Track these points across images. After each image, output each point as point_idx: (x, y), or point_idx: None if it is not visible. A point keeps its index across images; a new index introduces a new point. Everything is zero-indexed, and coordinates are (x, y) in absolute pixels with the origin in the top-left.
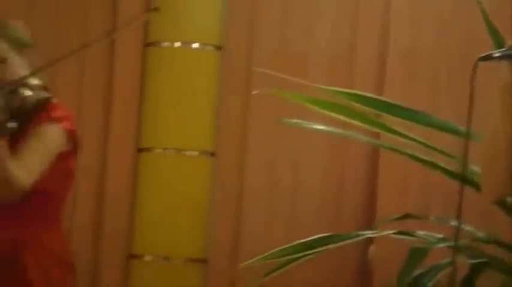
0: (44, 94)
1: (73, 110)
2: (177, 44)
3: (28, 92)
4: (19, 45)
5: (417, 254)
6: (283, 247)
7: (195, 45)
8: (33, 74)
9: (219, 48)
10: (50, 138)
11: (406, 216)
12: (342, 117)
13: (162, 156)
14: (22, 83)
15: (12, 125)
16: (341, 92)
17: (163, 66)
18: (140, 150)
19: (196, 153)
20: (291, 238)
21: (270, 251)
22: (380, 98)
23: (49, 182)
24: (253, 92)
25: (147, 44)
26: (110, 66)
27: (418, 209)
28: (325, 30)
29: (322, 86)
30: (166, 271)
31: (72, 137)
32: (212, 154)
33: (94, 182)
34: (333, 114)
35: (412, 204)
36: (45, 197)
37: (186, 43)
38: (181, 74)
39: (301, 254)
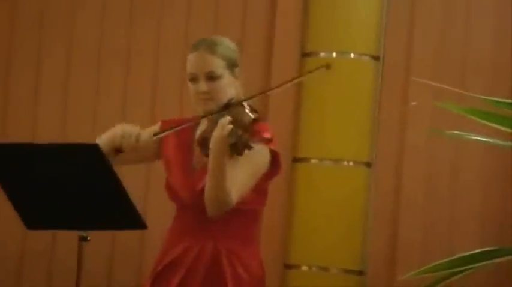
0: (255, 115)
1: None
2: (334, 54)
3: (248, 113)
4: (232, 65)
5: None
6: (443, 260)
7: (352, 55)
8: (253, 97)
9: (376, 58)
10: (260, 159)
11: None
12: (503, 129)
13: (318, 166)
14: (241, 103)
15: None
16: (504, 103)
17: (320, 77)
18: (296, 160)
19: (352, 163)
20: (449, 248)
21: (430, 265)
22: None
23: (250, 200)
24: (412, 103)
25: (304, 54)
26: (267, 76)
27: None
28: (486, 39)
29: (484, 96)
30: (323, 281)
31: (276, 159)
32: (368, 164)
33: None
34: (495, 125)
35: None
36: (246, 214)
37: (343, 53)
38: (338, 84)
39: (462, 268)
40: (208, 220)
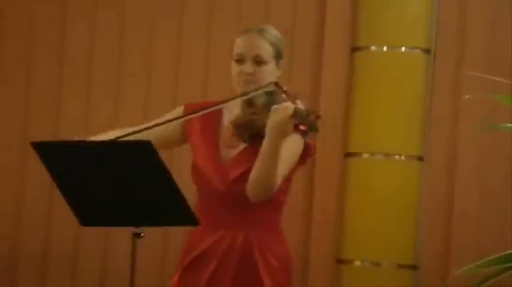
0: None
1: None
2: (385, 48)
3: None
4: (278, 55)
5: None
6: (497, 255)
7: (403, 48)
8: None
9: (427, 51)
10: (297, 149)
11: None
12: None
13: (369, 161)
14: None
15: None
16: None
17: (371, 71)
18: (348, 155)
19: (404, 157)
20: (503, 243)
21: (484, 260)
22: None
23: (280, 189)
24: (466, 97)
25: (355, 49)
26: (318, 71)
27: None
28: None
29: None
30: (376, 276)
31: (309, 150)
32: (420, 158)
33: (302, 187)
34: None
35: None
36: (275, 203)
37: (394, 47)
38: (389, 78)
39: None
40: (238, 210)
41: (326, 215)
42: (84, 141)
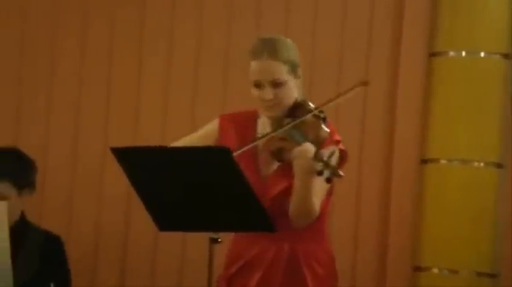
0: (323, 115)
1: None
2: (463, 53)
3: (323, 127)
4: (295, 67)
5: None
6: None
7: (482, 54)
8: (324, 105)
9: (506, 56)
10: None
11: None
12: None
13: (447, 167)
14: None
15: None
16: None
17: (449, 76)
18: (424, 161)
19: (482, 164)
20: None
21: None
22: None
23: (323, 202)
24: None
25: (432, 54)
26: (395, 76)
27: None
28: None
29: None
30: (454, 284)
31: (343, 158)
32: (499, 165)
33: (379, 194)
34: None
35: None
36: (318, 216)
37: (473, 52)
38: (467, 83)
39: None
40: (281, 223)
41: (403, 222)
42: (163, 147)
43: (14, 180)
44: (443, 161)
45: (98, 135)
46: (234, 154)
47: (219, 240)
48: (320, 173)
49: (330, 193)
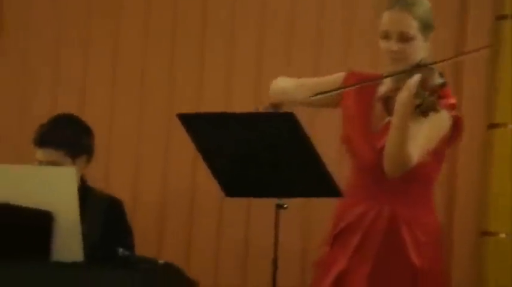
0: (443, 80)
1: None
2: None
3: (438, 76)
4: (426, 27)
5: None
6: None
7: None
8: (444, 60)
9: None
10: (441, 123)
11: None
12: None
13: None
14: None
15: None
16: None
17: None
18: (492, 126)
19: None
20: None
21: None
22: None
23: (428, 165)
24: None
25: (499, 17)
26: (462, 41)
27: None
28: None
29: None
30: None
31: (458, 125)
32: None
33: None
34: None
35: None
36: (423, 179)
37: None
38: None
39: None
40: (386, 183)
41: (469, 187)
42: (229, 113)
43: (68, 147)
44: (510, 126)
45: (163, 102)
46: (312, 98)
47: (285, 206)
48: (417, 106)
49: (440, 160)
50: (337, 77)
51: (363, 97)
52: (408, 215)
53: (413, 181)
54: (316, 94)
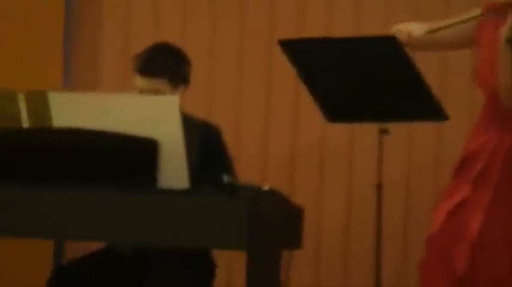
0: None
1: None
2: None
3: None
4: None
5: None
6: None
7: None
8: None
9: None
10: None
11: None
12: None
13: None
14: None
15: None
16: None
17: None
18: None
19: None
20: None
21: None
22: None
23: None
24: None
25: None
26: None
27: None
28: None
29: None
30: None
31: None
32: None
33: None
34: None
35: None
36: None
37: None
38: None
39: None
40: (507, 112)
41: None
42: (330, 38)
43: (169, 75)
44: None
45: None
46: (427, 32)
47: (389, 131)
48: (507, 41)
49: None
50: (473, 12)
51: (496, 34)
52: None
53: None
54: (431, 31)
